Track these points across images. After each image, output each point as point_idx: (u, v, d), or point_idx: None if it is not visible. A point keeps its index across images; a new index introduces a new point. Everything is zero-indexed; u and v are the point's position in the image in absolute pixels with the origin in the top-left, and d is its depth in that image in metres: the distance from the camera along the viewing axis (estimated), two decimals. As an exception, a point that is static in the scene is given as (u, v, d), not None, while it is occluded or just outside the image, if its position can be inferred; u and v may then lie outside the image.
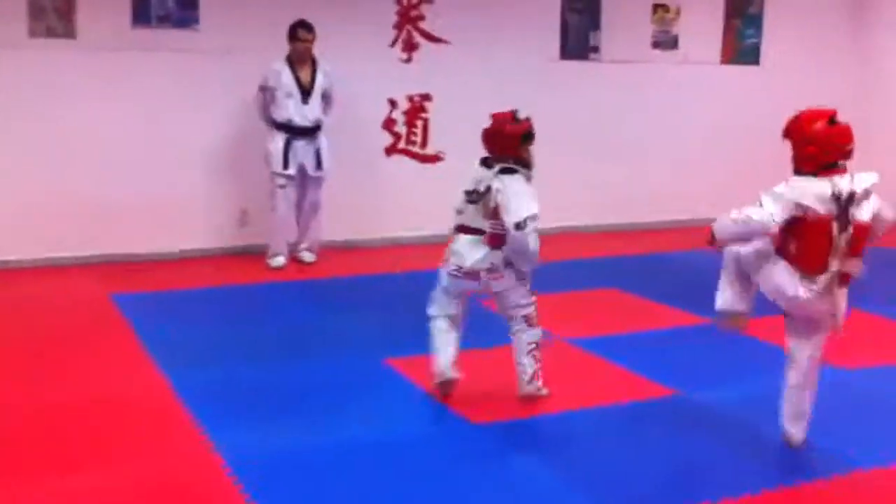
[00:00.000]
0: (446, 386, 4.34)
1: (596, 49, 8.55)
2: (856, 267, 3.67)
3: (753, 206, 3.65)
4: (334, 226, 7.58)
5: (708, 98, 8.97)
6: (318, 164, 7.10)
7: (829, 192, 3.57)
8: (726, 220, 3.75)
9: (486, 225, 4.09)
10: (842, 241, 3.60)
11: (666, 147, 8.88)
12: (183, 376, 4.60)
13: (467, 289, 4.28)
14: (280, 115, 6.96)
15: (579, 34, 8.48)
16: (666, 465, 3.73)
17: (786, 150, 3.83)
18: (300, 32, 6.93)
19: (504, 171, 4.08)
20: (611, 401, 4.38)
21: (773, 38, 9.20)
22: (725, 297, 3.91)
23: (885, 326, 5.70)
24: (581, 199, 8.58)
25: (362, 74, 7.58)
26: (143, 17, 7.03)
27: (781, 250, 3.71)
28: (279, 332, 5.47)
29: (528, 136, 4.15)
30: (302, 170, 7.06)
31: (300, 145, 7.01)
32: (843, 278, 3.67)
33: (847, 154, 3.66)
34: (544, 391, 4.34)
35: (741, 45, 9.13)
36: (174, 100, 7.17)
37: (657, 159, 8.84)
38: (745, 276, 3.85)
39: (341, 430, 4.01)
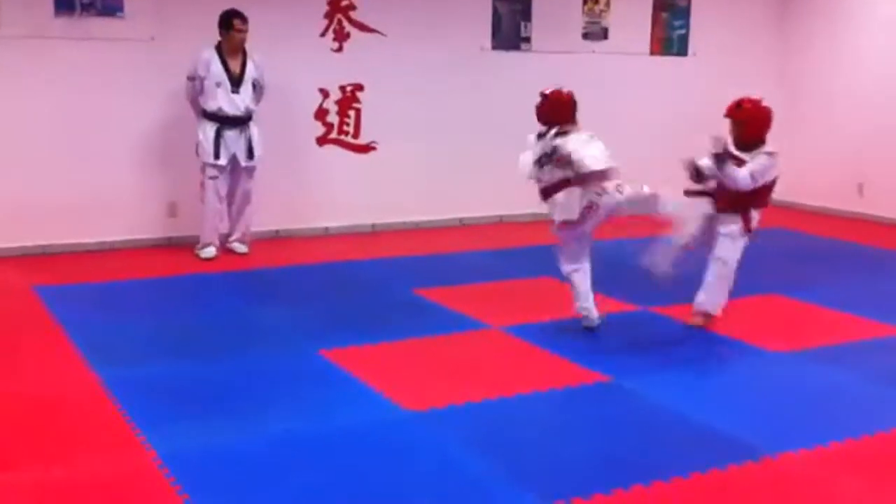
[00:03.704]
0: None
1: (527, 40, 8.60)
2: None
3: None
4: (266, 216, 7.51)
5: (637, 88, 9.08)
6: (250, 154, 7.02)
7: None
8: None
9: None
10: None
11: (596, 135, 8.94)
12: (112, 370, 4.51)
13: None
14: (210, 104, 6.86)
15: (511, 25, 8.52)
16: (599, 450, 3.78)
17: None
18: (236, 23, 6.82)
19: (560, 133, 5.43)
20: (545, 387, 4.41)
21: (701, 29, 9.36)
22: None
23: (805, 310, 5.84)
24: (516, 187, 8.60)
25: (293, 64, 7.52)
26: (66, 5, 6.87)
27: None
28: (211, 324, 5.39)
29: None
30: (233, 159, 6.98)
31: (231, 135, 6.92)
32: None
33: None
34: None
35: (669, 37, 9.28)
36: (100, 89, 7.02)
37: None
38: None
39: (277, 422, 3.97)
